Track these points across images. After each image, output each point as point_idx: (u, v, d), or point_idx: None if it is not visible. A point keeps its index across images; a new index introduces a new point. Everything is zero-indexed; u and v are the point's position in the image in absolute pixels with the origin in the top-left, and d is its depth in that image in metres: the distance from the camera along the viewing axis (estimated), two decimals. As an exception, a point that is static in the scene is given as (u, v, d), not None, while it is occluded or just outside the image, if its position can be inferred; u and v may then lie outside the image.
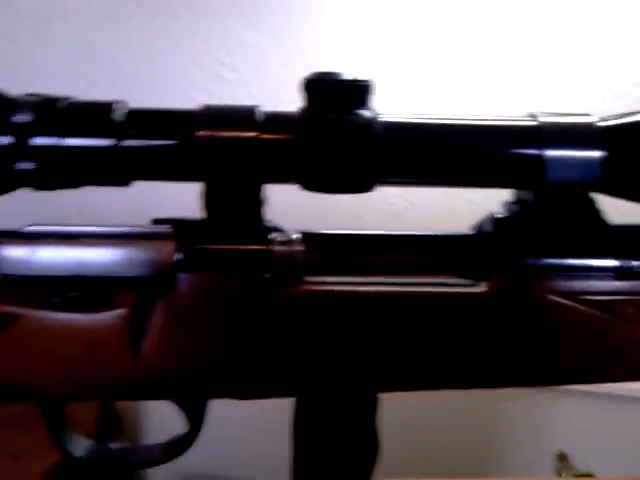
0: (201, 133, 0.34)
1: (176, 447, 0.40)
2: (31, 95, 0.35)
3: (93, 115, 0.35)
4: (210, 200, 0.35)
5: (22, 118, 0.34)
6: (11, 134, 0.34)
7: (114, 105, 0.35)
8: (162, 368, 0.36)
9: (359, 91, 0.35)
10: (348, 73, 0.35)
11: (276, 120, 0.35)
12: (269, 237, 0.36)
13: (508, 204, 0.38)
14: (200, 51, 0.86)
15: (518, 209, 0.38)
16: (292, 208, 0.81)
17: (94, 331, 0.35)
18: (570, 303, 0.36)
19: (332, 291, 0.36)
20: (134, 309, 0.35)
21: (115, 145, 0.34)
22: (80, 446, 0.40)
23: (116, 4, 0.86)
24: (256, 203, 0.36)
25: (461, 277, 0.37)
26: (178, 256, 0.35)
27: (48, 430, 0.39)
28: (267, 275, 0.35)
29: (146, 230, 0.37)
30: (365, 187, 0.36)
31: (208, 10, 0.85)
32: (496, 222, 0.37)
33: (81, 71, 0.88)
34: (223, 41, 0.85)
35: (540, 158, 0.35)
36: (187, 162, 0.35)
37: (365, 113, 0.35)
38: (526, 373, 0.37)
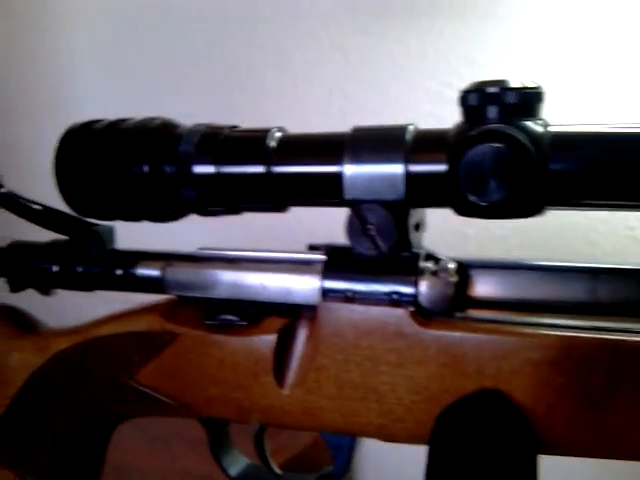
0: (347, 157, 0.32)
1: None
2: (198, 125, 0.36)
3: (248, 143, 0.35)
4: (352, 227, 0.33)
5: (186, 148, 0.35)
6: (176, 163, 0.35)
7: (269, 132, 0.34)
8: (303, 399, 0.34)
9: (526, 100, 0.29)
10: (513, 80, 0.30)
11: (427, 139, 0.31)
12: (420, 266, 0.32)
13: None
14: (427, 74, 0.84)
15: None
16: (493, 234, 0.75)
17: (242, 355, 0.35)
18: None
19: (489, 330, 0.31)
20: (280, 335, 0.34)
21: (267, 172, 0.34)
22: (236, 465, 0.41)
23: (348, 37, 0.89)
24: (405, 229, 0.33)
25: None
26: (324, 284, 0.34)
27: (209, 447, 0.40)
28: (411, 308, 0.32)
29: (298, 257, 0.36)
30: (532, 212, 0.30)
31: (434, 32, 0.82)
32: None
33: (315, 102, 0.92)
34: (449, 62, 0.82)
35: None
36: (333, 187, 0.33)
37: (532, 125, 0.29)
38: None
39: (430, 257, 0.33)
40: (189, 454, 0.92)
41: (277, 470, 0.41)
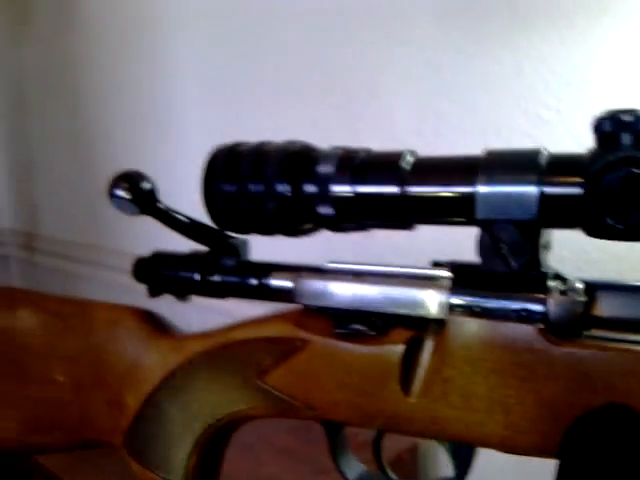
0: (481, 178, 0.34)
1: (446, 488, 0.39)
2: (335, 148, 0.39)
3: (383, 165, 0.37)
4: (484, 246, 0.35)
5: (324, 169, 0.38)
6: (315, 183, 0.38)
7: (402, 154, 0.37)
8: (428, 408, 0.36)
9: None
10: None
11: (561, 162, 0.33)
12: (549, 284, 0.34)
13: None
14: (523, 94, 0.85)
15: None
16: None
17: (370, 363, 0.37)
18: None
19: (619, 348, 0.32)
20: (408, 346, 0.36)
21: (401, 192, 0.36)
22: (354, 470, 0.43)
23: (442, 56, 0.90)
24: (535, 249, 0.34)
25: None
26: (452, 299, 0.36)
27: (329, 450, 0.43)
28: (540, 325, 0.33)
29: (425, 272, 0.38)
30: None
31: (532, 52, 0.83)
32: None
33: (406, 122, 0.94)
34: (546, 83, 0.82)
35: None
36: (466, 207, 0.35)
37: None
38: None
39: (557, 276, 0.35)
40: (276, 461, 0.94)
41: (393, 476, 0.42)
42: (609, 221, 0.31)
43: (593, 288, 0.34)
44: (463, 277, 0.36)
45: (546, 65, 0.82)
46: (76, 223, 1.70)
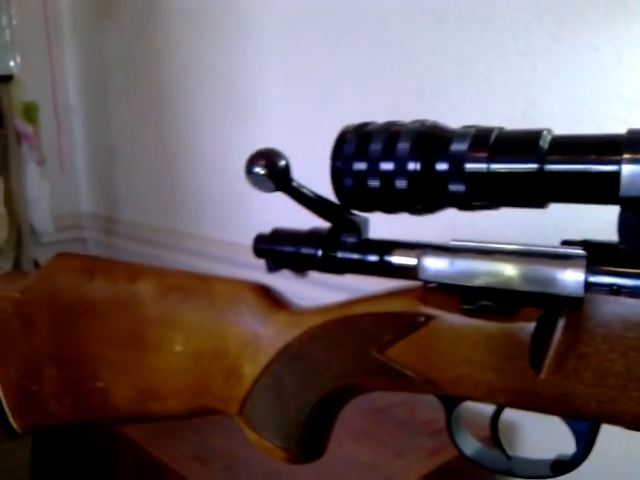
0: (626, 156, 0.34)
1: (564, 466, 0.39)
2: (467, 127, 0.40)
3: (521, 142, 0.37)
4: (626, 223, 0.35)
5: (458, 147, 0.39)
6: (448, 161, 0.39)
7: (542, 133, 0.37)
8: (559, 385, 0.36)
9: None
10: None
11: None
12: (690, 265, 0.34)
13: None
14: (620, 81, 0.83)
15: None
16: None
17: (499, 339, 0.38)
18: None
19: None
20: (539, 324, 0.37)
21: (538, 170, 0.36)
22: (470, 446, 0.43)
23: (535, 44, 0.89)
24: None
25: None
26: (589, 277, 0.36)
27: (446, 425, 0.43)
28: (685, 305, 0.33)
29: (556, 250, 0.38)
30: None
31: (631, 38, 0.81)
32: None
33: (497, 109, 0.94)
34: (645, 69, 0.80)
35: None
36: (608, 186, 0.35)
37: None
38: None
39: None
40: (354, 444, 0.96)
41: (510, 453, 0.43)
42: None
43: None
44: (599, 255, 0.36)
45: (647, 51, 0.80)
46: (153, 208, 1.76)
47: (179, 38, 1.53)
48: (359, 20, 1.10)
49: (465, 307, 0.39)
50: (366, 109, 1.08)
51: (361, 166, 0.41)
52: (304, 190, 0.43)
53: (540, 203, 0.38)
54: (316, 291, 0.85)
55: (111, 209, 1.93)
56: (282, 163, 0.42)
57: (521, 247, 0.39)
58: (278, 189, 0.42)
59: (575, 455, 0.39)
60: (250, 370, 0.47)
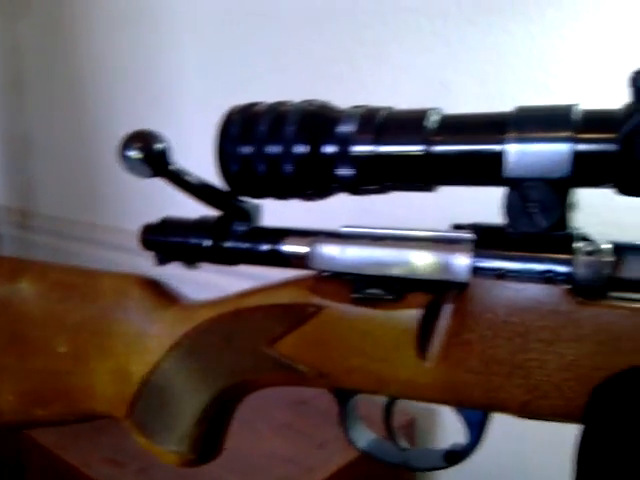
0: (510, 135, 0.33)
1: (456, 456, 0.38)
2: (356, 107, 0.38)
3: (407, 123, 0.36)
4: (512, 205, 0.33)
5: (345, 128, 0.37)
6: (335, 143, 0.37)
7: (427, 112, 0.35)
8: (446, 373, 0.35)
9: None
10: None
11: (595, 119, 0.32)
12: (574, 246, 0.33)
13: None
14: (533, 65, 0.83)
15: None
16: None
17: (386, 328, 0.36)
18: None
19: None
20: (426, 311, 0.35)
21: (426, 151, 0.35)
22: (364, 438, 0.42)
23: (451, 27, 0.89)
24: (561, 209, 0.33)
25: None
26: (474, 261, 0.34)
27: (339, 418, 0.41)
28: (567, 286, 0.32)
29: (445, 235, 0.36)
30: None
31: (544, 23, 0.81)
32: None
33: (412, 92, 0.93)
34: (556, 53, 0.81)
35: None
36: (494, 166, 0.33)
37: None
38: None
39: (584, 238, 0.34)
40: (275, 437, 0.94)
41: (403, 444, 0.41)
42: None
43: (621, 249, 0.32)
44: (487, 239, 0.35)
45: (558, 36, 0.80)
46: (72, 201, 1.68)
47: (96, 24, 1.46)
48: (277, 5, 1.07)
49: (354, 296, 0.37)
50: (284, 93, 1.05)
51: (247, 149, 0.38)
52: (185, 175, 0.40)
53: (429, 186, 0.36)
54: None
55: (26, 201, 1.83)
56: (159, 146, 0.39)
57: (411, 233, 0.37)
58: (156, 174, 0.39)
59: (467, 444, 0.38)
60: (138, 370, 0.44)
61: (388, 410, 0.41)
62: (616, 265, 0.32)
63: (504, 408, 0.34)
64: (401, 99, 0.91)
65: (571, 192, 0.33)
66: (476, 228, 0.36)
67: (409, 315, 0.35)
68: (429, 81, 0.91)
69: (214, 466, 0.86)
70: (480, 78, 0.87)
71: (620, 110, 0.31)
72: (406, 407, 0.96)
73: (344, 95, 0.96)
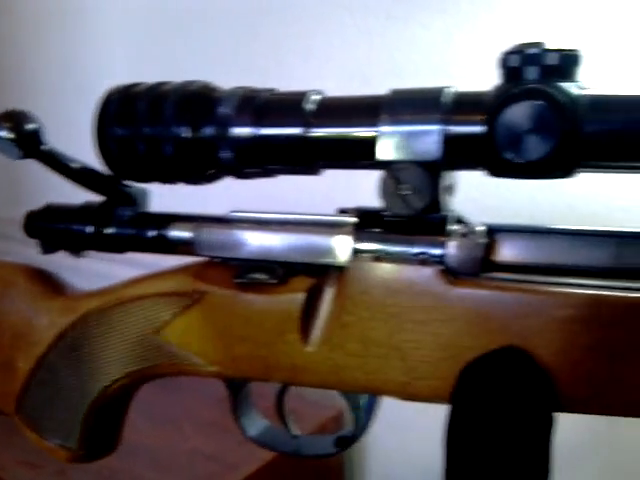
0: (383, 118, 0.33)
1: (346, 441, 0.38)
2: (237, 88, 0.37)
3: (285, 106, 0.35)
4: (386, 188, 0.33)
5: (224, 110, 0.36)
6: (214, 125, 0.36)
7: (306, 95, 0.35)
8: (328, 357, 0.35)
9: (564, 63, 0.30)
10: (550, 44, 0.30)
11: (465, 100, 0.32)
12: (449, 228, 0.33)
13: None
14: (451, 59, 0.84)
15: None
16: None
17: (269, 313, 0.36)
18: None
19: (515, 289, 0.31)
20: (308, 294, 0.35)
21: (304, 134, 0.34)
22: (255, 426, 0.41)
23: (372, 21, 0.89)
24: (434, 191, 0.33)
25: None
26: (355, 244, 0.34)
27: (231, 407, 0.41)
28: (439, 267, 0.32)
29: (329, 219, 0.36)
30: (565, 173, 0.30)
31: (460, 16, 0.82)
32: None
33: (337, 87, 0.92)
34: (474, 47, 0.82)
35: None
36: (369, 148, 0.33)
37: (570, 87, 0.29)
38: None
39: (460, 220, 0.34)
40: (198, 435, 0.93)
41: (295, 431, 0.41)
42: (507, 156, 0.30)
43: (495, 231, 0.33)
44: (368, 222, 0.35)
45: (472, 28, 0.82)
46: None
47: (22, 19, 1.41)
48: (202, 0, 1.05)
49: (237, 281, 0.36)
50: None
51: (127, 131, 0.37)
52: (61, 158, 0.38)
53: (311, 169, 0.36)
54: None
55: None
56: (31, 126, 0.37)
57: (294, 217, 0.37)
58: (27, 156, 0.37)
59: (353, 431, 0.38)
60: (24, 364, 0.43)
61: (280, 397, 0.41)
62: (489, 246, 0.32)
63: (386, 391, 0.34)
64: (328, 93, 0.92)
65: (445, 175, 0.33)
66: (359, 212, 0.36)
67: (292, 299, 0.35)
68: (352, 75, 0.91)
69: (136, 465, 0.84)
70: (399, 72, 0.87)
71: (490, 92, 0.31)
72: (334, 401, 0.96)
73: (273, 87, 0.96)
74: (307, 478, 0.93)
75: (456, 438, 0.30)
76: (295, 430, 0.41)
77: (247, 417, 0.41)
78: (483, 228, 0.33)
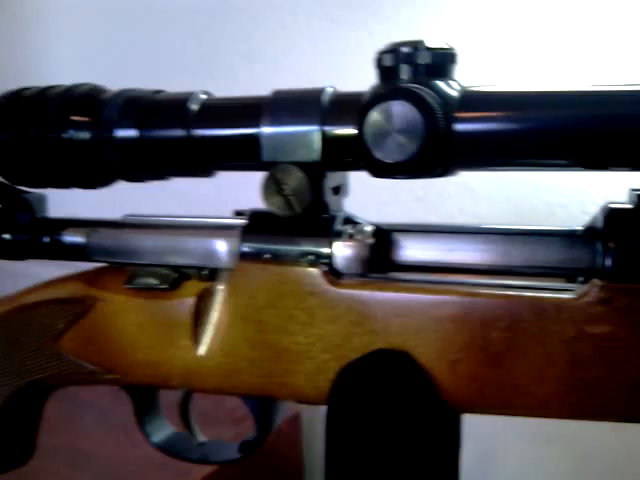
0: (265, 119, 0.32)
1: (249, 446, 0.38)
2: (123, 90, 0.36)
3: (170, 107, 0.35)
4: (268, 189, 0.33)
5: (109, 113, 0.35)
6: (99, 128, 0.35)
7: (191, 96, 0.34)
8: (220, 362, 0.34)
9: (438, 60, 0.30)
10: (428, 41, 0.30)
11: (342, 101, 0.32)
12: (336, 228, 0.33)
13: (632, 192, 0.29)
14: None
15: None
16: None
17: (161, 318, 0.35)
18: None
19: (395, 288, 0.31)
20: (198, 299, 0.34)
21: (188, 135, 0.34)
22: (160, 433, 0.41)
23: (315, 25, 0.89)
24: (321, 191, 0.33)
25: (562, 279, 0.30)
26: (242, 247, 0.34)
27: (135, 415, 0.40)
28: (324, 268, 0.32)
29: (220, 222, 0.36)
30: (440, 172, 0.30)
31: (400, 18, 0.83)
32: (610, 214, 0.28)
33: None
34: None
35: None
36: (252, 149, 0.33)
37: (443, 85, 0.29)
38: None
39: (349, 220, 0.34)
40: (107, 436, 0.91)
41: (200, 438, 0.41)
42: (377, 155, 0.29)
43: (387, 232, 0.33)
44: (257, 224, 0.34)
45: (413, 33, 0.82)
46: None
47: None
48: (148, 2, 1.05)
49: (127, 287, 0.36)
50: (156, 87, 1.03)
51: (12, 136, 0.36)
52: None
53: (200, 171, 0.36)
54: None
55: None
56: None
57: (188, 220, 0.36)
58: None
59: (255, 436, 0.37)
60: None
61: (185, 404, 0.40)
62: (377, 246, 0.32)
63: (280, 394, 0.34)
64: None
65: (331, 175, 0.33)
66: (254, 214, 0.35)
67: (183, 304, 0.35)
68: (298, 79, 0.91)
69: (83, 473, 0.82)
70: (343, 76, 0.87)
71: (366, 93, 0.31)
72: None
73: (218, 92, 0.96)
74: None
75: (332, 441, 0.30)
76: (201, 437, 0.40)
77: (152, 424, 0.40)
78: (371, 228, 0.32)
